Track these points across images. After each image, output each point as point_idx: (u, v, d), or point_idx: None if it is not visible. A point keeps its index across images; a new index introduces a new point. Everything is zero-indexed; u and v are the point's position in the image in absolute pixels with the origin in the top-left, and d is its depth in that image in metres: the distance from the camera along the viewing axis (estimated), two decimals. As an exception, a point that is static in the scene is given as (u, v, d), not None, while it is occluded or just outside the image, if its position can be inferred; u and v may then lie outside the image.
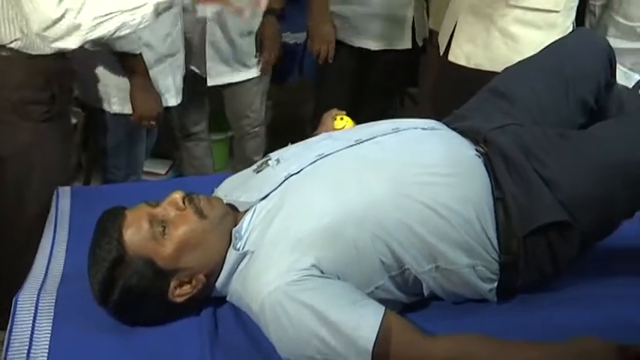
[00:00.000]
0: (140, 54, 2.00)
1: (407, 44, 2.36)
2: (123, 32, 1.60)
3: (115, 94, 2.07)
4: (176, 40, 2.15)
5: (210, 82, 2.40)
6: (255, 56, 2.41)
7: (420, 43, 2.43)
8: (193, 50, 2.34)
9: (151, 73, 2.08)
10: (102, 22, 1.57)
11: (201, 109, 2.58)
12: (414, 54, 2.48)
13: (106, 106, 2.12)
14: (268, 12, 2.29)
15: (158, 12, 1.61)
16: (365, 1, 2.27)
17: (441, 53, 2.16)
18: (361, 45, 2.35)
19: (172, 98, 2.20)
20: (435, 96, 2.30)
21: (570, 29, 2.00)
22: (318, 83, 2.56)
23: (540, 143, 1.36)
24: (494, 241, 1.30)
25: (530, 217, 1.29)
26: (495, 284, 1.33)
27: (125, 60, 2.01)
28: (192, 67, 2.39)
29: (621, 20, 2.16)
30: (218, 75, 2.39)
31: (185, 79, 2.29)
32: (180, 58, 2.20)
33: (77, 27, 1.55)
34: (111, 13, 1.57)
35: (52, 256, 1.46)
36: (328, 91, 2.38)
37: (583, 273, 1.43)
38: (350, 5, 2.29)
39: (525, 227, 1.29)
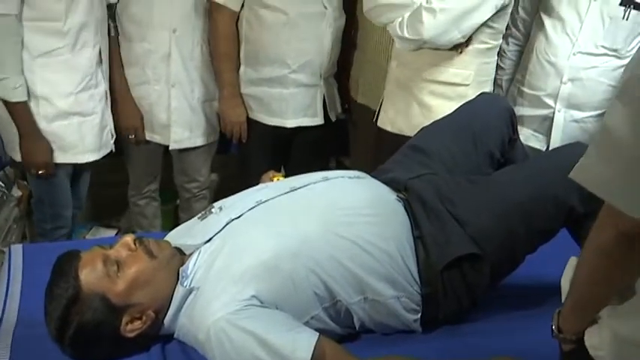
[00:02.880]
0: (24, 102, 2.09)
1: (319, 120, 2.54)
2: None
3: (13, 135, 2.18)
4: (86, 102, 2.23)
5: (172, 146, 2.54)
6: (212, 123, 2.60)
7: (333, 118, 2.63)
8: (154, 116, 2.50)
9: (52, 126, 2.17)
10: None
11: (156, 170, 2.71)
12: (338, 126, 2.70)
13: (15, 156, 2.22)
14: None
15: None
16: (275, 82, 2.44)
17: (374, 119, 2.40)
18: (276, 124, 2.49)
19: (80, 155, 2.28)
20: (371, 157, 2.50)
21: None
22: (240, 160, 2.68)
23: (451, 188, 1.58)
24: (416, 275, 1.49)
25: (445, 251, 1.49)
26: (419, 315, 1.51)
27: (7, 107, 2.10)
28: (151, 134, 2.53)
29: (526, 90, 2.41)
30: (180, 140, 2.54)
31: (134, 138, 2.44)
32: (97, 119, 2.28)
33: None
34: None
35: (6, 307, 1.56)
36: (249, 168, 2.48)
37: (496, 306, 1.63)
38: (261, 87, 2.45)
39: (442, 261, 1.48)
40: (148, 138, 2.52)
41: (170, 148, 2.56)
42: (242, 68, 2.45)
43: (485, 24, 2.11)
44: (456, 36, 2.08)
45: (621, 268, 1.03)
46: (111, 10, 2.35)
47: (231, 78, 2.43)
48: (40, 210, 2.36)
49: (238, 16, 2.37)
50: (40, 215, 2.37)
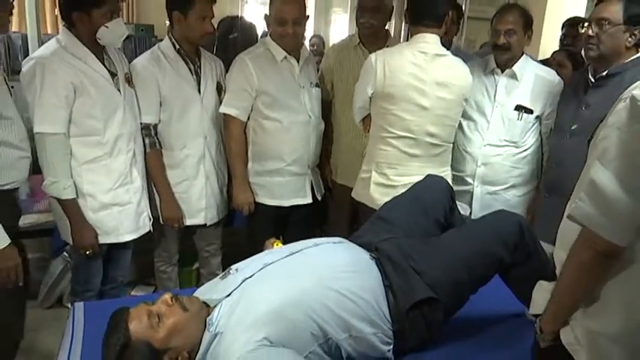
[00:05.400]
0: (73, 199, 2.13)
1: (309, 200, 2.65)
2: None
3: (66, 224, 2.23)
4: (122, 195, 2.27)
5: (209, 223, 2.61)
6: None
7: (319, 197, 2.74)
8: (192, 205, 2.55)
9: (97, 215, 2.21)
10: None
11: (177, 244, 2.75)
12: (321, 202, 2.79)
13: (68, 240, 2.27)
14: None
15: None
16: (275, 173, 2.55)
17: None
18: (276, 204, 2.60)
19: (121, 237, 2.31)
20: (347, 225, 2.63)
21: None
22: (248, 232, 2.73)
23: (411, 247, 1.66)
24: (388, 316, 1.55)
25: (408, 296, 1.56)
26: (391, 346, 1.56)
27: (60, 203, 2.14)
28: (190, 219, 2.57)
29: (453, 172, 2.50)
30: (212, 217, 2.62)
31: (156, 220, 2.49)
32: (132, 207, 2.32)
33: None
34: None
35: (71, 354, 1.57)
36: (256, 238, 2.46)
37: (450, 336, 1.67)
38: (264, 177, 2.56)
39: (406, 303, 1.55)
40: (188, 223, 2.58)
41: (207, 225, 2.62)
42: (250, 164, 2.55)
43: (373, 116, 2.30)
44: (354, 115, 2.41)
45: (597, 280, 1.16)
46: (155, 128, 2.41)
47: (241, 171, 2.53)
48: (75, 274, 2.40)
49: (246, 125, 2.50)
50: (75, 279, 2.40)
